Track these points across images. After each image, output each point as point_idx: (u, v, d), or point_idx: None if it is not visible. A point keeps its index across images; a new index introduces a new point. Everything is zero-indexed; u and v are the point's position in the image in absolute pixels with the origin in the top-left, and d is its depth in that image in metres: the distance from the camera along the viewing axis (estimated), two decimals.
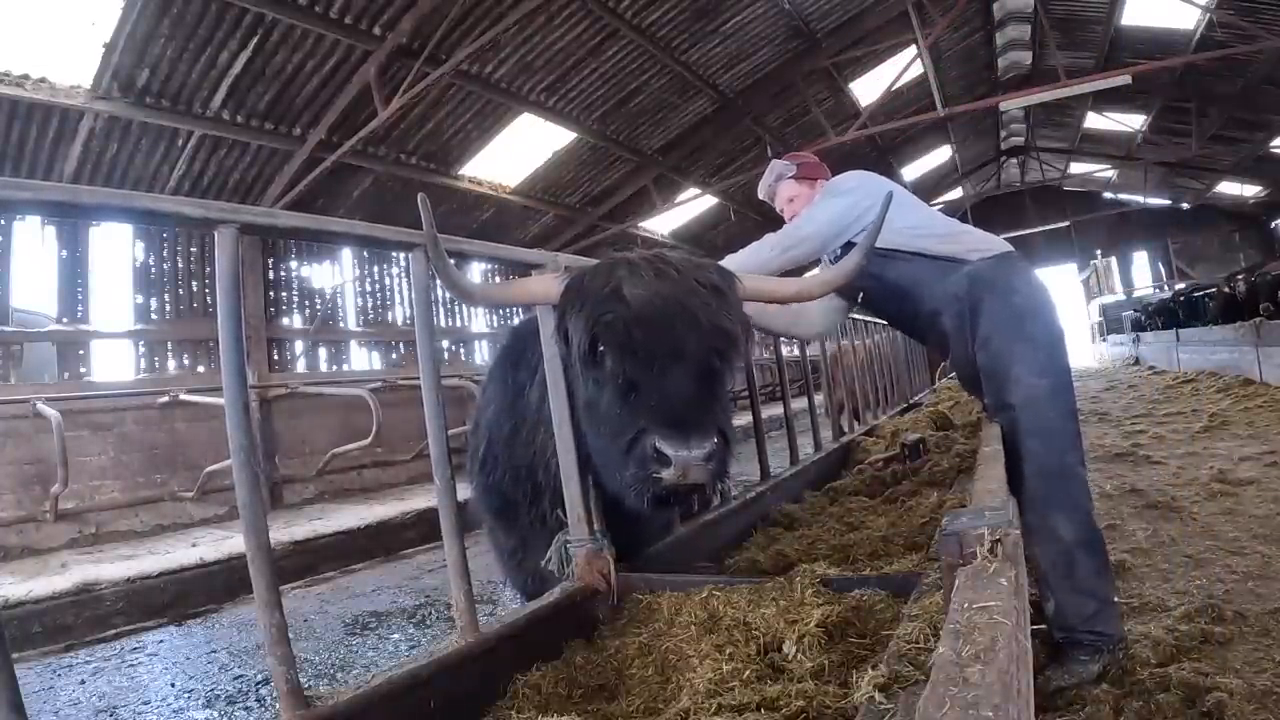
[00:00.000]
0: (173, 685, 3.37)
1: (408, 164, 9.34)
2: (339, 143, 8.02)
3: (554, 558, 1.60)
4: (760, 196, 2.70)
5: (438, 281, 1.48)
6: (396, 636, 3.76)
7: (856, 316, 4.21)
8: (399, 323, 10.44)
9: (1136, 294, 21.79)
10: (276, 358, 8.97)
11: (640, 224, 13.26)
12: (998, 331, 2.17)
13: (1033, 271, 2.35)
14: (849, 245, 2.36)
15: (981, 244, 2.31)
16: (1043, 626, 2.39)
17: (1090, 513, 2.17)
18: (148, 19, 5.95)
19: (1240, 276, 10.68)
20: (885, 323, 4.95)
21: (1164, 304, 14.97)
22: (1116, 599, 2.31)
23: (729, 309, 1.44)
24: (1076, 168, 20.51)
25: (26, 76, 6.05)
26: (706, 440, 1.22)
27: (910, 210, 2.36)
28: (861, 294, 2.44)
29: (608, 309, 1.36)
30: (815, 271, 2.14)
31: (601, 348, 1.38)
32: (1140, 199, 22.02)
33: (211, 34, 6.37)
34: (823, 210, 2.32)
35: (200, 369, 8.05)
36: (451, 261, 1.45)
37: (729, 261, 2.16)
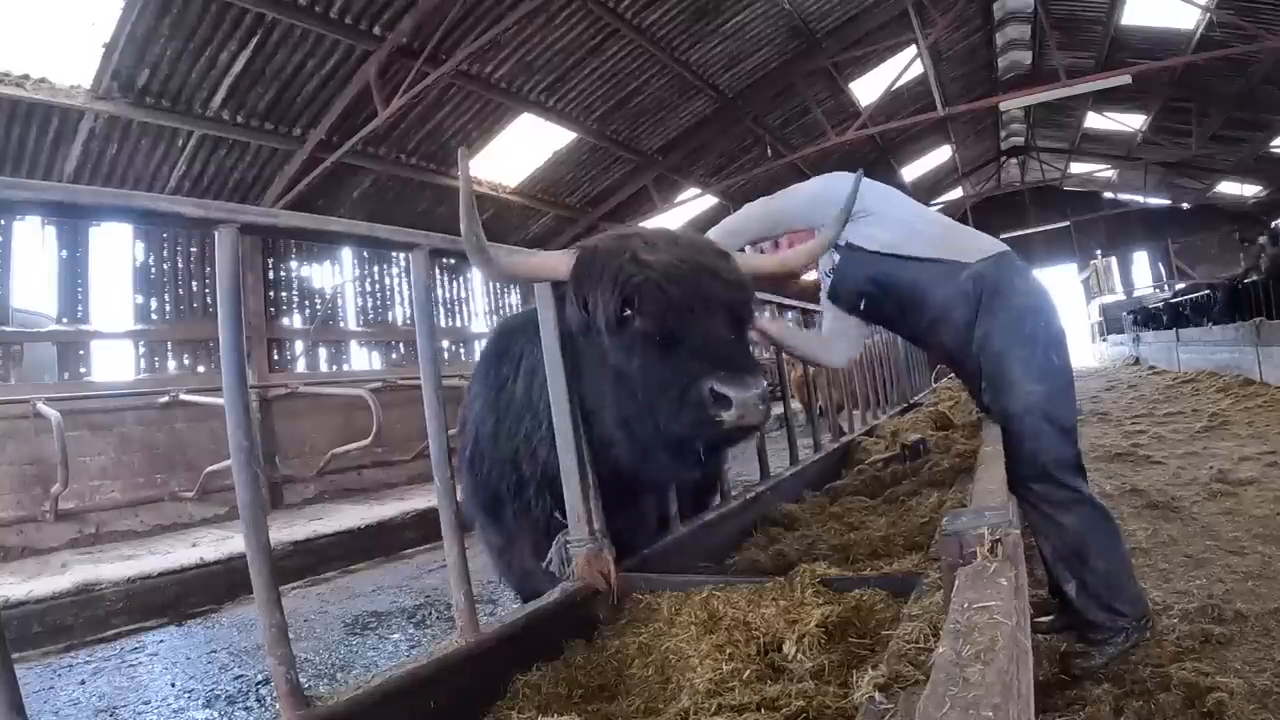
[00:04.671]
0: (173, 685, 3.37)
1: (408, 164, 9.35)
2: (339, 143, 8.02)
3: (554, 558, 1.59)
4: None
5: (438, 280, 1.50)
6: (396, 636, 3.76)
7: None
8: (399, 323, 10.44)
9: (1136, 294, 21.78)
10: (276, 358, 8.97)
11: (640, 224, 13.25)
12: (998, 333, 2.18)
13: (1031, 271, 2.36)
14: (851, 248, 2.33)
15: (979, 244, 2.31)
16: (1045, 619, 2.44)
17: (1092, 500, 2.22)
18: (148, 19, 5.95)
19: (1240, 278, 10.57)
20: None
21: (1157, 309, 14.85)
22: (1134, 577, 2.37)
23: (737, 268, 1.54)
24: (1076, 168, 20.49)
25: (26, 76, 6.05)
26: (758, 380, 1.27)
27: (906, 211, 2.36)
28: (863, 301, 2.41)
29: (634, 272, 1.40)
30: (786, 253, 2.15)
31: (633, 308, 1.39)
32: (1140, 199, 22.03)
33: (211, 34, 6.37)
34: (798, 186, 2.36)
35: (200, 369, 8.05)
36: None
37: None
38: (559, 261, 1.52)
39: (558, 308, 1.57)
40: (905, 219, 2.29)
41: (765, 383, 1.29)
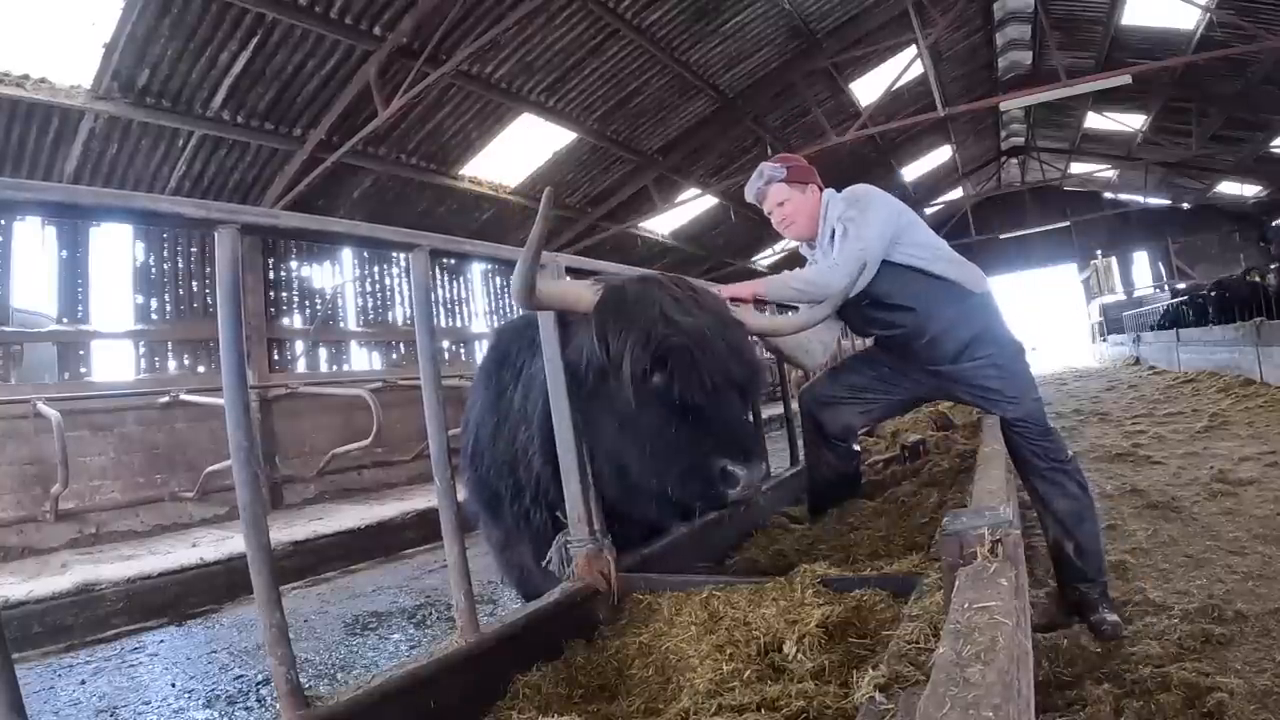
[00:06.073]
0: (173, 685, 3.37)
1: (408, 164, 9.34)
2: (339, 143, 8.02)
3: (554, 558, 1.60)
4: (748, 199, 2.66)
5: (438, 280, 1.51)
6: (396, 636, 3.76)
7: None
8: (399, 323, 10.43)
9: (1137, 294, 21.77)
10: (276, 358, 8.96)
11: (640, 224, 13.25)
12: (1002, 353, 2.44)
13: None
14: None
15: (979, 276, 2.54)
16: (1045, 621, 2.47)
17: (1084, 486, 2.53)
18: (148, 19, 5.95)
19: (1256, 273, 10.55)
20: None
21: (1164, 309, 14.83)
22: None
23: (750, 345, 1.64)
24: (1076, 168, 20.47)
25: (26, 76, 6.04)
26: (762, 462, 1.38)
27: (924, 231, 2.52)
28: (867, 300, 2.45)
29: (668, 332, 1.42)
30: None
31: (663, 369, 1.41)
32: (1140, 199, 22.01)
33: (211, 34, 6.37)
34: (871, 228, 2.30)
35: (200, 369, 8.04)
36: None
37: (796, 278, 2.26)
38: (584, 292, 1.52)
39: (564, 333, 1.58)
40: (928, 242, 2.47)
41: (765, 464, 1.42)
